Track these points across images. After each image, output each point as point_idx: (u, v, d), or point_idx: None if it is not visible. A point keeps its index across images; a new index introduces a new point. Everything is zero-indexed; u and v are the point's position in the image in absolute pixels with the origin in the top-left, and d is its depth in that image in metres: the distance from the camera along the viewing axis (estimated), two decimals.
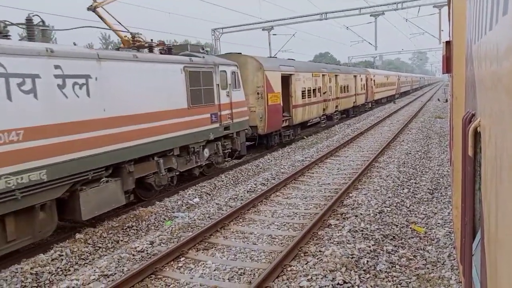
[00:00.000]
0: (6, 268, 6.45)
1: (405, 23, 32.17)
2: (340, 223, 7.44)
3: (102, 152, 7.92)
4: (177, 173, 10.64)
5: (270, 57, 19.81)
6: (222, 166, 13.74)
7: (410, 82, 69.33)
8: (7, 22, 7.15)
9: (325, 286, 5.14)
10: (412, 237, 7.06)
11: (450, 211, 7.49)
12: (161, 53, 10.63)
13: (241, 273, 5.78)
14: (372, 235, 6.85)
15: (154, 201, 9.98)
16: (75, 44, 8.30)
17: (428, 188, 9.94)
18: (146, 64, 9.26)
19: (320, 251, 6.20)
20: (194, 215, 8.47)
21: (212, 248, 6.74)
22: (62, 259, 6.76)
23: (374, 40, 34.09)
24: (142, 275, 5.68)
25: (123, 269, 6.07)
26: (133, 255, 6.57)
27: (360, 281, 5.36)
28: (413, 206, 8.74)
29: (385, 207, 8.38)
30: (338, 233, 6.90)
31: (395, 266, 5.91)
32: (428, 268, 5.87)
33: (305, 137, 20.86)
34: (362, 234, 6.86)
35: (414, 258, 6.20)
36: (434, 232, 7.20)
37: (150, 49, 10.28)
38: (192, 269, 6.00)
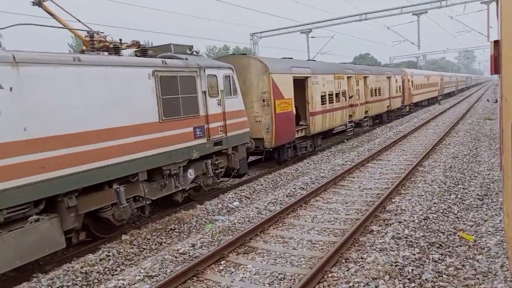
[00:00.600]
0: (59, 266, 6.84)
1: (450, 21, 30.89)
2: (382, 229, 7.25)
3: (23, 184, 6.13)
4: (148, 202, 8.67)
5: (285, 58, 17.01)
6: (223, 185, 12.08)
7: (455, 82, 65.96)
8: None
9: None
10: (460, 246, 6.74)
11: (502, 219, 7.09)
12: (136, 55, 9.27)
13: (281, 278, 5.78)
14: (417, 243, 6.61)
15: (195, 204, 10.19)
16: None
17: (477, 194, 9.45)
18: (95, 68, 7.37)
19: (362, 257, 6.06)
20: (234, 218, 8.56)
21: (252, 252, 6.78)
22: (109, 259, 7.06)
23: (417, 39, 32.97)
24: (185, 277, 5.81)
25: (166, 271, 6.25)
26: (176, 257, 6.74)
27: None
28: (461, 212, 8.35)
29: (430, 213, 8.06)
30: (380, 239, 6.72)
31: (442, 276, 5.67)
32: (478, 278, 5.58)
33: (345, 141, 20.49)
34: (406, 241, 6.64)
35: (463, 268, 5.92)
36: (485, 240, 6.83)
37: (116, 51, 8.67)
38: (232, 272, 6.06)
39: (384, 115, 27.80)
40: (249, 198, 11.05)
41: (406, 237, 6.77)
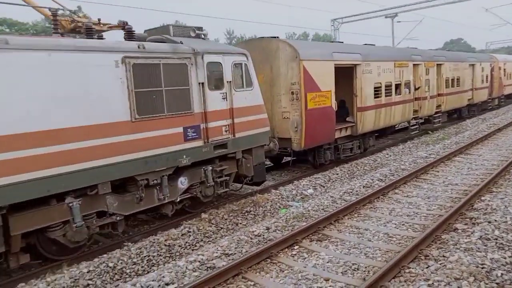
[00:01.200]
0: (146, 238, 7.50)
1: None
2: (468, 228, 6.74)
3: None
4: (119, 218, 7.12)
5: (333, 41, 14.85)
6: (237, 191, 10.29)
7: None
8: None
9: None
10: None
11: None
12: (125, 39, 7.68)
13: (354, 268, 5.70)
14: (509, 245, 6.05)
15: (270, 189, 10.40)
16: None
17: None
18: (31, 54, 5.86)
19: (443, 256, 5.73)
20: (308, 205, 8.58)
21: (326, 240, 6.77)
22: (190, 235, 7.56)
23: None
24: (259, 258, 6.01)
25: (241, 250, 6.52)
26: (251, 238, 6.99)
27: None
28: None
29: None
30: (466, 239, 6.27)
31: None
32: None
33: (430, 132, 19.20)
34: (496, 243, 6.11)
35: None
36: None
37: (89, 32, 7.22)
38: (305, 258, 6.13)
39: (464, 109, 23.63)
40: (323, 187, 10.97)
41: (496, 239, 6.23)
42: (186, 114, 7.89)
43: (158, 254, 6.89)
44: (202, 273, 5.79)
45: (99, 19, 7.87)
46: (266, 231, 7.27)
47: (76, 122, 6.28)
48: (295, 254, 6.28)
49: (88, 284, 5.97)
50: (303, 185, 10.80)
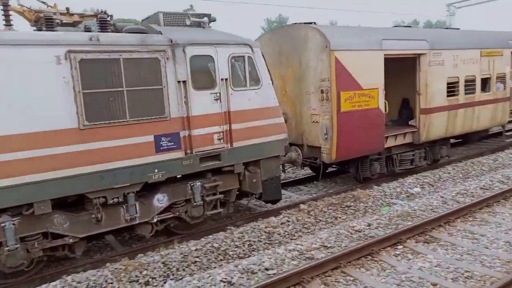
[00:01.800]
0: (247, 223, 7.84)
1: None
2: None
3: None
4: (72, 240, 6.22)
5: (399, 26, 11.82)
6: (247, 207, 9.03)
7: None
8: None
9: None
10: None
11: None
12: (112, 31, 6.74)
13: (467, 276, 5.20)
14: None
15: (372, 184, 9.99)
16: None
17: None
18: None
19: None
20: (415, 205, 8.04)
21: (434, 242, 6.28)
22: (289, 225, 7.68)
23: None
24: (359, 253, 5.85)
25: (341, 244, 6.42)
26: (351, 233, 6.83)
27: None
28: None
29: None
30: None
31: None
32: None
33: None
34: None
35: None
36: None
37: (48, 24, 6.17)
38: (410, 259, 5.78)
39: None
40: (432, 186, 10.15)
41: None
42: (158, 119, 6.57)
43: (258, 240, 7.15)
44: (301, 262, 5.85)
45: (67, 8, 6.85)
46: (368, 227, 7.02)
47: (3, 129, 5.39)
48: (399, 254, 5.96)
49: (196, 261, 6.47)
50: (409, 183, 10.13)
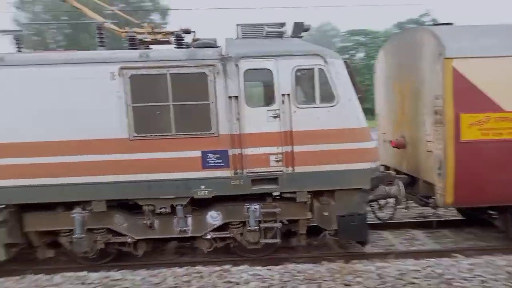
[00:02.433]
0: (479, 255, 6.74)
1: None
2: None
3: None
4: (131, 240, 6.87)
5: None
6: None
7: None
8: None
9: None
10: None
11: None
12: (188, 47, 6.86)
13: None
14: None
15: None
16: None
17: None
18: (22, 69, 6.28)
19: None
20: None
21: None
22: None
23: None
24: None
25: None
26: None
27: None
28: None
29: None
30: None
31: None
32: None
33: None
34: None
35: None
36: None
37: (131, 43, 6.83)
38: None
39: None
40: None
41: None
42: (205, 135, 6.52)
43: (495, 279, 6.02)
44: None
45: (152, 27, 7.46)
46: None
47: (63, 136, 6.36)
48: None
49: (413, 282, 5.99)
50: None
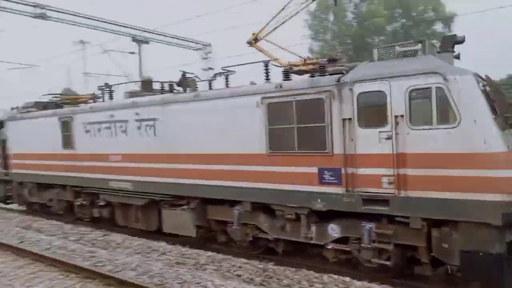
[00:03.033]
0: None
1: None
2: None
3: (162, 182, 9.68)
4: (270, 238, 8.42)
5: None
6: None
7: None
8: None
9: None
10: None
11: None
12: (331, 74, 7.48)
13: None
14: None
15: None
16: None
17: None
18: (206, 102, 8.90)
19: None
20: None
21: None
22: None
23: None
24: None
25: None
26: None
27: None
28: None
29: None
30: None
31: None
32: None
33: None
34: None
35: None
36: None
37: (285, 75, 8.37)
38: None
39: None
40: None
41: None
42: (321, 154, 7.20)
43: None
44: None
45: (304, 59, 8.49)
46: None
47: (224, 150, 8.54)
48: None
49: None
50: None
